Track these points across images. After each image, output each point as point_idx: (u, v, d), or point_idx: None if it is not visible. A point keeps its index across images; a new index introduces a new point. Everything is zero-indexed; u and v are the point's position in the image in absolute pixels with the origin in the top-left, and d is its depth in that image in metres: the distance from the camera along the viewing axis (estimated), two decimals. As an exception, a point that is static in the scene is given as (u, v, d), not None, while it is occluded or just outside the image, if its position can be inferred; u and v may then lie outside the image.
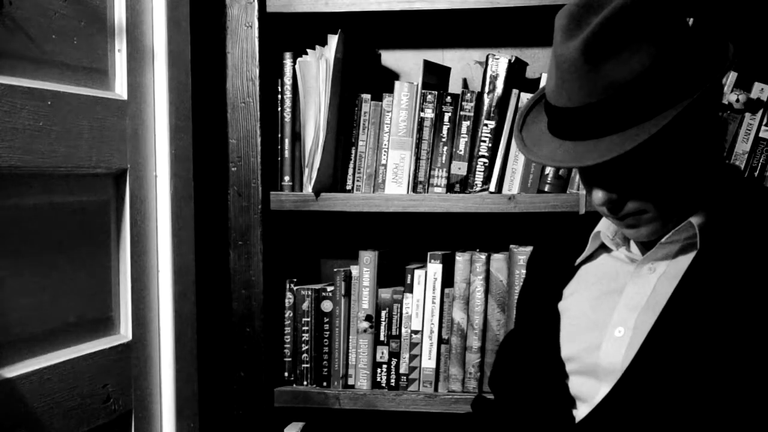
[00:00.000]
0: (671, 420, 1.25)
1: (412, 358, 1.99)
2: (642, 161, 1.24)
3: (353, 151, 2.02)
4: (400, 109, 1.97)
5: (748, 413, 1.23)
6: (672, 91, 1.21)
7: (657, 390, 1.26)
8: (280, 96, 2.03)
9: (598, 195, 1.28)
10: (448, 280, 1.98)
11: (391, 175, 1.99)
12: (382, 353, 2.01)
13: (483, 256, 1.96)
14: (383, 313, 2.01)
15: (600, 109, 1.21)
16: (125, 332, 1.76)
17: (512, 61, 1.92)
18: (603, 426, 1.30)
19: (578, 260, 1.44)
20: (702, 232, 1.29)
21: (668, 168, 1.26)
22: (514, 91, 1.93)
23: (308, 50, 1.99)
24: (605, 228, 1.41)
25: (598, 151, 1.22)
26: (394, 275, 2.05)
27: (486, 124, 1.93)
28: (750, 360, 1.22)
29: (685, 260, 1.31)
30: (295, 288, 2.04)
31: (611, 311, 1.34)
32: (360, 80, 2.05)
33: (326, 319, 2.03)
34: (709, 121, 1.28)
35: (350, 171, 2.02)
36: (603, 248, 1.43)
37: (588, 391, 1.35)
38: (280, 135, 2.03)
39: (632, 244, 1.40)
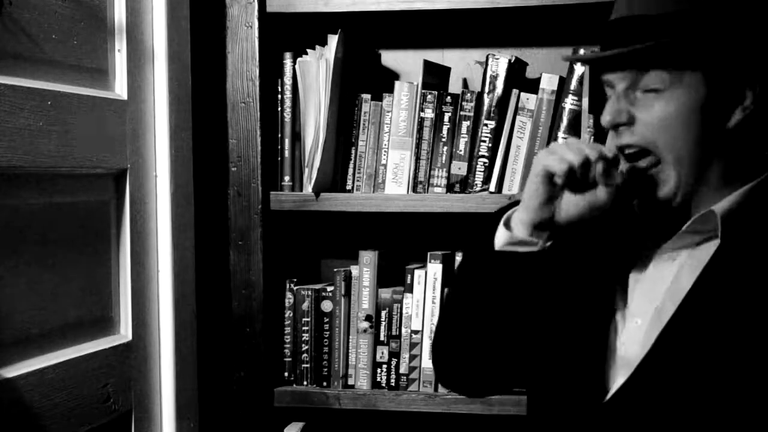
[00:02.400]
0: (686, 413, 1.24)
1: (412, 358, 1.99)
2: (662, 94, 1.27)
3: (353, 151, 2.02)
4: (400, 109, 1.97)
5: (765, 407, 1.22)
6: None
7: (672, 382, 1.25)
8: (280, 96, 2.03)
9: (606, 118, 1.30)
10: (448, 280, 1.98)
11: (391, 175, 1.99)
12: (382, 353, 2.01)
13: (483, 256, 1.95)
14: (383, 313, 2.01)
15: (651, 21, 1.25)
16: (125, 332, 1.76)
17: (512, 61, 1.92)
18: (618, 416, 1.29)
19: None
20: (725, 223, 1.28)
21: (689, 119, 1.27)
22: (514, 91, 1.93)
23: (308, 50, 1.99)
24: None
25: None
26: (394, 275, 2.05)
27: (486, 124, 1.93)
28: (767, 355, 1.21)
29: (708, 250, 1.30)
30: (295, 288, 2.04)
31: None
32: (360, 80, 2.05)
33: (326, 319, 2.03)
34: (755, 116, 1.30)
35: (350, 171, 2.02)
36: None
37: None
38: (280, 135, 2.03)
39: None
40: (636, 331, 1.31)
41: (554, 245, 1.33)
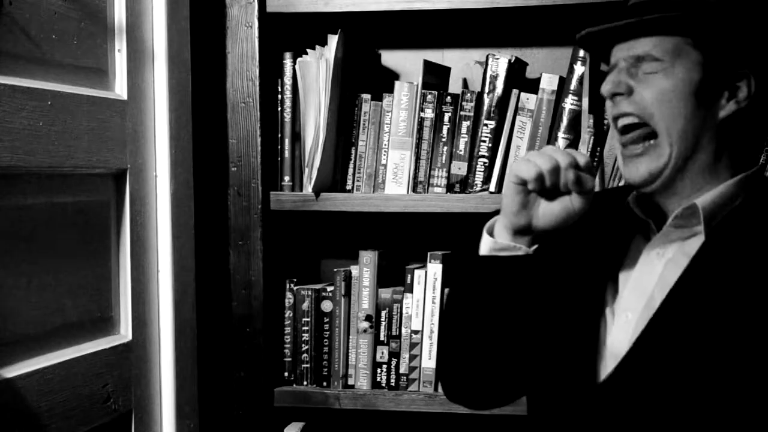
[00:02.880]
0: (670, 400, 1.26)
1: (412, 358, 1.99)
2: (664, 73, 1.31)
3: (353, 151, 2.02)
4: (400, 109, 1.97)
5: (748, 401, 1.23)
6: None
7: (656, 371, 1.27)
8: (280, 96, 2.03)
9: (606, 87, 1.34)
10: (448, 280, 1.98)
11: (391, 175, 1.99)
12: (382, 353, 2.01)
13: (483, 256, 1.95)
14: (383, 313, 2.01)
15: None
16: (125, 332, 1.76)
17: (512, 61, 1.92)
18: (606, 405, 1.31)
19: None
20: (709, 218, 1.30)
21: (684, 98, 1.31)
22: (514, 91, 1.93)
23: (308, 50, 1.99)
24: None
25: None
26: (394, 275, 2.05)
27: (486, 124, 1.94)
28: (751, 350, 1.23)
29: (694, 245, 1.32)
30: (295, 288, 2.04)
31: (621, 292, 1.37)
32: (360, 80, 2.05)
33: (326, 319, 2.03)
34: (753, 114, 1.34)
35: (350, 171, 2.02)
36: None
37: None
38: (280, 135, 2.03)
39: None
40: (626, 325, 1.33)
41: (543, 245, 1.35)
